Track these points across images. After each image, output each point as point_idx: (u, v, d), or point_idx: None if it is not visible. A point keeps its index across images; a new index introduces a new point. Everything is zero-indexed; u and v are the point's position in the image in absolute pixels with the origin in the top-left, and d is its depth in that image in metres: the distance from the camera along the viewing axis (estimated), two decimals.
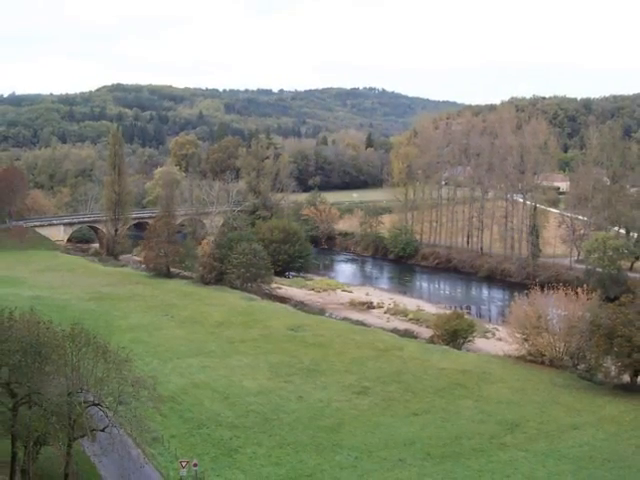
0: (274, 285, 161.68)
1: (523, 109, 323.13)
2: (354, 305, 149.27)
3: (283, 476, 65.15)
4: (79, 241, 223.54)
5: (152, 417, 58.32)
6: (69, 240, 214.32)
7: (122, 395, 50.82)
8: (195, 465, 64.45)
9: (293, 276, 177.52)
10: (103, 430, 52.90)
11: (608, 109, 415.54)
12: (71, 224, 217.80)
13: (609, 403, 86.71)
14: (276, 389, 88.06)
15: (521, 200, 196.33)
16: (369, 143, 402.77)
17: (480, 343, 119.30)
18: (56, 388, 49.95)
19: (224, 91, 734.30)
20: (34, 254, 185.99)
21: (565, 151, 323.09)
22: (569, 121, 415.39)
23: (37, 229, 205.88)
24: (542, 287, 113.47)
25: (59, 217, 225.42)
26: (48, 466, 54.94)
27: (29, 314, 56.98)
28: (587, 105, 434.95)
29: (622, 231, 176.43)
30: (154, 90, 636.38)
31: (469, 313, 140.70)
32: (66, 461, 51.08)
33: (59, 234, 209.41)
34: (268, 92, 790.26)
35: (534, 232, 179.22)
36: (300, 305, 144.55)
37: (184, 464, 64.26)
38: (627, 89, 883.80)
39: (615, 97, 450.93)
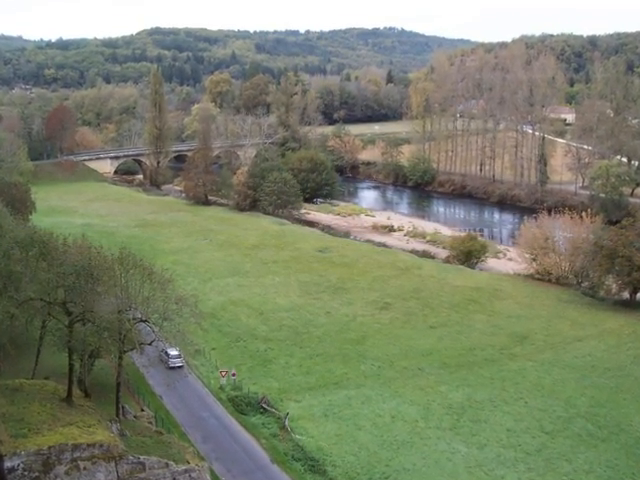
0: (303, 211, 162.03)
1: (532, 46, 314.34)
2: (376, 228, 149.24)
3: (313, 384, 65.99)
4: (124, 173, 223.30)
5: (194, 332, 58.76)
6: (115, 172, 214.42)
7: (167, 312, 51.05)
8: (234, 375, 65.51)
9: (320, 202, 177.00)
10: (150, 344, 53.48)
11: (612, 45, 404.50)
12: (117, 158, 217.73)
13: (610, 318, 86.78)
14: (306, 305, 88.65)
15: (530, 131, 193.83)
16: (389, 79, 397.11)
17: (492, 263, 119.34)
18: (107, 306, 50.24)
19: (254, 32, 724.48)
20: (84, 185, 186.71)
21: (571, 85, 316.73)
22: (575, 57, 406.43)
23: (86, 163, 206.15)
24: (549, 211, 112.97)
25: (106, 151, 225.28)
26: (102, 376, 55.71)
27: (81, 240, 57.20)
28: (592, 42, 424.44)
29: (624, 159, 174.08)
30: (190, 32, 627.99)
31: (482, 235, 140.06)
32: (117, 372, 51.69)
33: (106, 167, 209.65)
34: (295, 33, 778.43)
35: (542, 160, 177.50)
36: (327, 229, 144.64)
37: (224, 374, 65.37)
38: (630, 27, 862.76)
39: (619, 34, 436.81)
